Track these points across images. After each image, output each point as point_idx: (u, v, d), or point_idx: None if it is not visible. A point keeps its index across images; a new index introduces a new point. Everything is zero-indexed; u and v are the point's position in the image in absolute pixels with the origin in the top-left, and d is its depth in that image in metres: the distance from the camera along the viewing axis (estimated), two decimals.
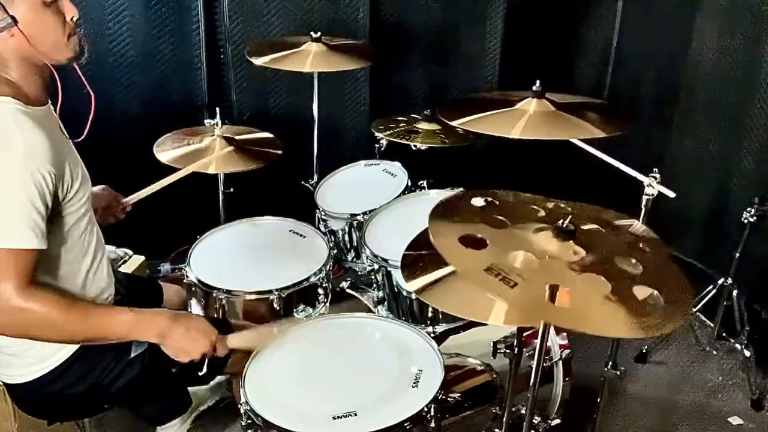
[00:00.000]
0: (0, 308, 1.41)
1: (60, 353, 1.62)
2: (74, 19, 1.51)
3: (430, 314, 2.06)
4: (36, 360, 1.61)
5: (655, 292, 1.20)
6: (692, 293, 1.28)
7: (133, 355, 1.67)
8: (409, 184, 2.56)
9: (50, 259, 1.54)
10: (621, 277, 1.24)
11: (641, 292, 1.21)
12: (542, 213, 1.39)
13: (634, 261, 1.27)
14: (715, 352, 2.83)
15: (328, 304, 2.17)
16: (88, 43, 1.55)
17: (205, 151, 2.32)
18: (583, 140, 1.88)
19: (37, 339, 1.55)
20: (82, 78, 1.55)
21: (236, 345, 1.70)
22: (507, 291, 1.19)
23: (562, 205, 1.45)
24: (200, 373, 1.78)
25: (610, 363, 2.00)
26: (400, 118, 2.88)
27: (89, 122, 1.58)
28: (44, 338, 1.54)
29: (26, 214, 1.40)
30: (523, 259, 1.27)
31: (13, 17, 1.41)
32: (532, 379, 1.55)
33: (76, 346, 1.62)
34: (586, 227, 1.35)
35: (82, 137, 1.59)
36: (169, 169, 2.16)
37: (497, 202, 1.46)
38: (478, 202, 1.46)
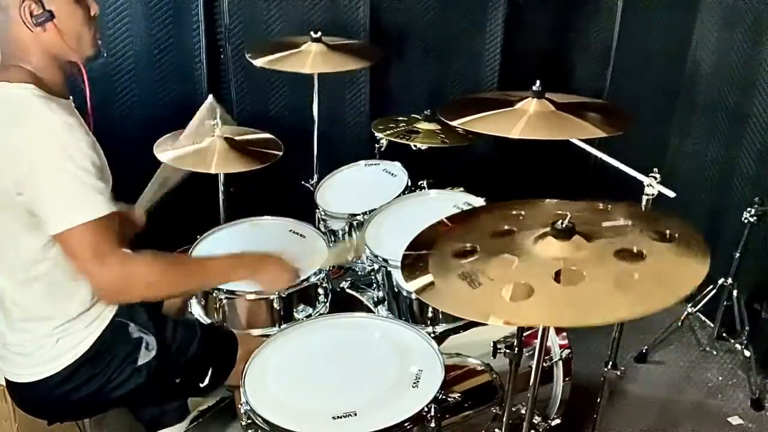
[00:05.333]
0: (98, 279, 1.45)
1: (69, 354, 1.61)
2: (96, 15, 1.53)
3: (430, 314, 2.05)
4: (45, 361, 1.61)
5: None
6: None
7: (140, 363, 1.68)
8: (409, 184, 2.56)
9: None
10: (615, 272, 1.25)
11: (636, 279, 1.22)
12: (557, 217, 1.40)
13: (635, 249, 1.28)
14: (715, 352, 2.84)
15: (328, 304, 2.17)
16: (102, 41, 1.58)
17: (205, 151, 2.33)
18: (583, 140, 1.89)
19: (138, 299, 1.58)
20: (86, 79, 1.56)
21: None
22: (469, 292, 1.24)
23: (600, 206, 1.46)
24: (201, 385, 1.79)
25: (610, 363, 2.00)
26: (400, 118, 2.88)
27: (91, 122, 1.59)
28: (144, 297, 1.56)
29: (90, 184, 1.41)
30: (504, 262, 1.29)
31: (50, 11, 1.43)
32: (532, 379, 1.56)
33: (85, 348, 1.62)
34: (589, 227, 1.35)
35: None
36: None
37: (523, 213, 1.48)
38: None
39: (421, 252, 1.44)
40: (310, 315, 2.10)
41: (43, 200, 1.41)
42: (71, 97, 1.58)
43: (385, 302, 2.18)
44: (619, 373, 1.99)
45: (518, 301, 1.21)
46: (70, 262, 1.47)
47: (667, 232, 1.33)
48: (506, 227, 1.41)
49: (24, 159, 1.40)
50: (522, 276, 1.25)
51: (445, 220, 1.52)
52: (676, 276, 1.24)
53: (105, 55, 1.61)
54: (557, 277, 1.24)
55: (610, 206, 1.46)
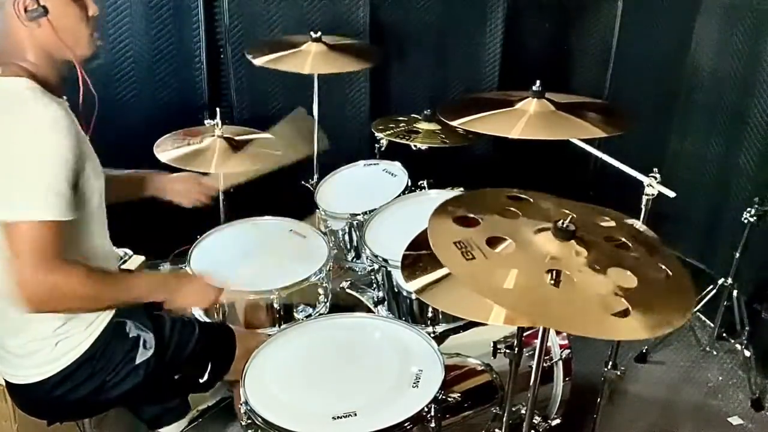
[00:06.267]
0: (27, 282, 1.40)
1: (68, 355, 1.61)
2: (95, 16, 1.52)
3: (430, 314, 2.05)
4: (44, 362, 1.61)
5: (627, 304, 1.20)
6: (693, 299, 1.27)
7: (138, 361, 1.67)
8: (409, 184, 2.56)
9: None
10: (597, 283, 1.24)
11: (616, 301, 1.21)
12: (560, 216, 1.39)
13: (629, 273, 1.27)
14: (715, 352, 2.84)
15: (328, 304, 2.17)
16: (102, 42, 1.58)
17: (205, 151, 2.33)
18: (583, 140, 1.88)
19: (60, 311, 1.54)
20: (86, 78, 1.56)
21: (233, 298, 1.97)
22: (461, 262, 1.23)
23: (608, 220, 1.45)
24: (201, 381, 1.79)
25: (610, 363, 2.00)
26: (400, 118, 2.88)
27: (93, 122, 1.58)
28: (67, 310, 1.54)
29: (51, 185, 1.39)
30: (501, 244, 1.29)
31: (44, 7, 1.43)
32: (532, 379, 1.56)
33: (84, 349, 1.62)
34: (592, 232, 1.35)
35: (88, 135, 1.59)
36: (170, 170, 2.16)
37: (531, 200, 1.47)
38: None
39: (421, 252, 1.44)
40: (310, 315, 2.10)
41: (5, 186, 1.40)
42: (65, 97, 1.58)
43: (385, 302, 2.18)
44: (619, 373, 1.99)
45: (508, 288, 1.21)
46: (9, 255, 1.41)
47: (663, 267, 1.31)
48: (512, 209, 1.41)
49: (8, 146, 1.40)
50: (515, 264, 1.25)
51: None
52: (658, 312, 1.22)
53: (103, 56, 1.61)
54: (550, 276, 1.23)
55: (614, 222, 1.45)
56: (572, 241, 1.29)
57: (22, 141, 1.39)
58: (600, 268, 1.26)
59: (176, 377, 1.77)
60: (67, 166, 1.40)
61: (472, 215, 1.37)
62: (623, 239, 1.37)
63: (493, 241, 1.30)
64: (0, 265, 1.53)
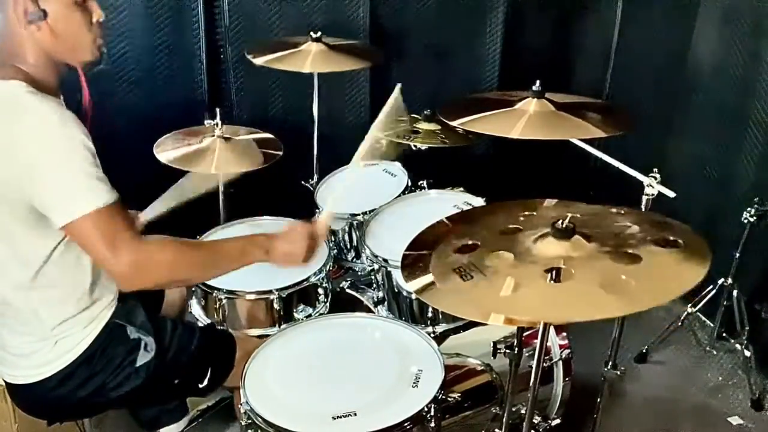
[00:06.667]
0: (112, 269, 1.44)
1: (67, 356, 1.61)
2: (99, 21, 1.52)
3: (430, 314, 2.06)
4: (43, 362, 1.61)
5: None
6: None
7: (139, 364, 1.67)
8: (409, 184, 2.56)
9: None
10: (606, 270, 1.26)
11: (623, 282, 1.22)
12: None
13: (634, 252, 1.28)
14: (715, 352, 2.84)
15: (328, 304, 2.17)
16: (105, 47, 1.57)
17: (205, 151, 2.33)
18: (583, 140, 1.89)
19: (162, 283, 1.59)
20: (85, 85, 1.56)
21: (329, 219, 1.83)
22: (459, 284, 1.25)
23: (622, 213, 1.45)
24: (201, 386, 1.79)
25: (610, 363, 2.00)
26: (400, 118, 2.88)
27: (87, 125, 1.58)
28: (160, 283, 1.57)
29: (89, 173, 1.40)
30: (500, 259, 1.30)
31: (43, 11, 1.43)
32: (532, 379, 1.56)
33: (83, 349, 1.62)
34: (597, 226, 1.36)
35: None
36: (170, 170, 2.16)
37: (534, 213, 1.48)
38: None
39: (421, 252, 1.44)
40: (310, 315, 2.10)
41: (47, 194, 1.40)
42: (62, 97, 1.57)
43: (385, 302, 2.18)
44: (619, 373, 1.99)
45: (506, 295, 1.22)
46: (86, 252, 1.48)
47: (672, 238, 1.33)
48: (513, 225, 1.41)
49: (22, 153, 1.39)
50: (513, 272, 1.26)
51: (446, 221, 1.52)
52: (666, 280, 1.24)
53: (105, 62, 1.59)
54: (547, 275, 1.24)
55: (623, 211, 1.45)
56: (575, 237, 1.30)
57: (45, 143, 1.39)
58: (606, 257, 1.27)
59: (176, 381, 1.77)
60: (90, 152, 1.42)
61: (471, 242, 1.38)
62: (631, 224, 1.38)
63: (490, 258, 1.31)
64: (1, 264, 1.54)
